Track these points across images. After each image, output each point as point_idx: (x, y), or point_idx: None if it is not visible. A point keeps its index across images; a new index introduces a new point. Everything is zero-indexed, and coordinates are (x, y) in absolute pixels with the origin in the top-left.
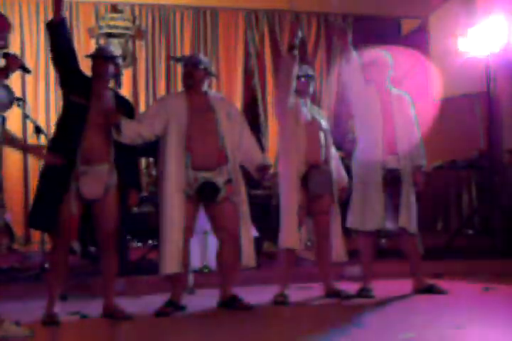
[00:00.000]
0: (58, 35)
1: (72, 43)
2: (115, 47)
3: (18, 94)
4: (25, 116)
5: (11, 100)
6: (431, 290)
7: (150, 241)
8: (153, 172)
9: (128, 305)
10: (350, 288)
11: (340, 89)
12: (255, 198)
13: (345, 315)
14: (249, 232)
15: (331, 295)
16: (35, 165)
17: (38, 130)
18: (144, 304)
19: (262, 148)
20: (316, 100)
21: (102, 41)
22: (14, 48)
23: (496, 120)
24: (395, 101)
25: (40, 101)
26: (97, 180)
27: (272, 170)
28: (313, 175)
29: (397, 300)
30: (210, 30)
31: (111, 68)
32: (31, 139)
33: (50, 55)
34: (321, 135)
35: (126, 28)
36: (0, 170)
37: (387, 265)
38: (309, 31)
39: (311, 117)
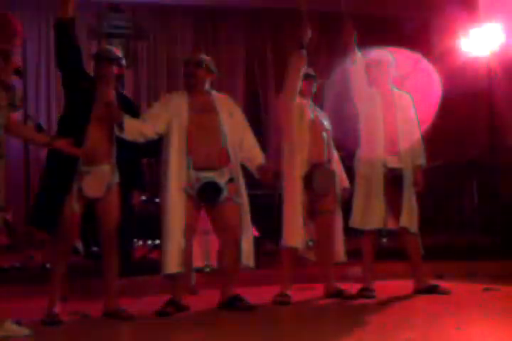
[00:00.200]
0: (66, 34)
1: (78, 43)
2: (118, 48)
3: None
4: (26, 116)
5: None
6: (432, 290)
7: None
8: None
9: (129, 305)
10: (352, 288)
11: (342, 89)
12: (256, 198)
13: (347, 316)
14: (248, 233)
15: (332, 295)
16: (36, 165)
17: (39, 129)
18: (146, 304)
19: (263, 147)
20: (317, 101)
21: (103, 41)
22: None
23: (496, 119)
24: (397, 100)
25: (41, 100)
26: (99, 180)
27: (273, 170)
28: (317, 174)
29: (398, 300)
30: (211, 30)
31: (115, 69)
32: None
33: (55, 54)
34: (324, 135)
35: (128, 29)
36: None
37: (388, 265)
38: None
39: (314, 117)
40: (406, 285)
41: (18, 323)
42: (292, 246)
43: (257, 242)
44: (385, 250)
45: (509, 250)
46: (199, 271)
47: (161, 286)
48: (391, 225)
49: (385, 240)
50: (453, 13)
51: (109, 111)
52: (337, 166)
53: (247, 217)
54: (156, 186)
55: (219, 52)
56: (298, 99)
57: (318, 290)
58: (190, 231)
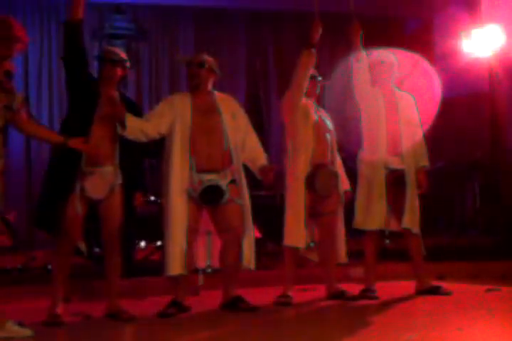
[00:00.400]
0: (75, 35)
1: (84, 45)
2: (121, 50)
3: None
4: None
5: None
6: (434, 291)
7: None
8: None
9: (131, 306)
10: (354, 289)
11: (345, 88)
12: (258, 199)
13: (348, 317)
14: (250, 234)
15: (334, 296)
16: (38, 165)
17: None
18: (148, 305)
19: (265, 148)
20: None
21: (105, 42)
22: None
23: (498, 120)
24: (399, 101)
25: (43, 101)
26: (102, 181)
27: (274, 171)
28: (319, 175)
29: (400, 301)
30: (213, 31)
31: (119, 71)
32: None
33: (63, 55)
34: (328, 136)
35: (129, 29)
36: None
37: (390, 266)
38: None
39: (318, 118)
40: (408, 286)
41: (20, 324)
42: (293, 246)
43: (259, 243)
44: (387, 251)
45: (511, 250)
46: (201, 271)
47: (163, 287)
48: (393, 226)
49: (387, 241)
50: (455, 14)
51: (112, 109)
52: (340, 168)
53: (248, 218)
54: (158, 187)
55: (220, 53)
56: (303, 100)
57: (320, 291)
58: (192, 233)
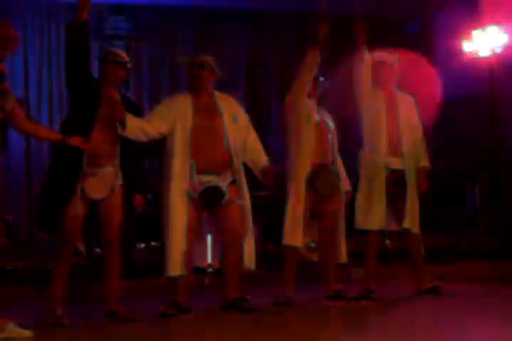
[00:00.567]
0: (81, 36)
1: (89, 46)
2: (123, 51)
3: (21, 95)
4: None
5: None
6: (434, 291)
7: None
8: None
9: (131, 306)
10: (353, 289)
11: (346, 88)
12: (258, 199)
13: (348, 317)
14: (250, 234)
15: (334, 296)
16: (38, 165)
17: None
18: (147, 306)
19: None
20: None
21: (104, 43)
22: (17, 51)
23: (499, 120)
24: (400, 102)
25: (43, 102)
26: (103, 182)
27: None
28: (321, 175)
29: (399, 301)
30: (212, 32)
31: (121, 72)
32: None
33: (66, 56)
34: (329, 137)
35: (129, 30)
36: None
37: (390, 266)
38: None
39: (320, 119)
40: (408, 287)
41: (21, 325)
42: (291, 244)
43: (259, 244)
44: (387, 251)
45: (510, 251)
46: (202, 271)
47: (163, 288)
48: (393, 226)
49: (388, 242)
50: (455, 16)
51: (112, 109)
52: (340, 168)
53: (249, 218)
54: (158, 188)
55: (220, 54)
56: (306, 100)
57: (320, 291)
58: (192, 234)
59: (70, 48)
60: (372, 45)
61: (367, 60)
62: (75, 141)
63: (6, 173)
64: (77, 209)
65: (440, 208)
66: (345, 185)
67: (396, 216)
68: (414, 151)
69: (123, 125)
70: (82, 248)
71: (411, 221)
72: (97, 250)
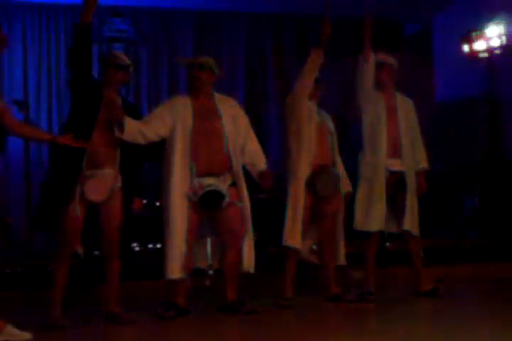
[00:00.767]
0: (86, 38)
1: (91, 48)
2: (125, 54)
3: (20, 98)
4: (27, 120)
5: None
6: (433, 293)
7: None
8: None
9: (130, 309)
10: (353, 291)
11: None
12: (258, 202)
13: (347, 319)
14: (250, 236)
15: (334, 298)
16: (37, 167)
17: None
18: (147, 308)
19: (264, 148)
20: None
21: (104, 46)
22: (17, 53)
23: (498, 121)
24: (399, 104)
25: (42, 105)
26: (102, 184)
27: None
28: (321, 177)
29: (399, 303)
30: (212, 34)
31: (123, 76)
32: None
33: (70, 58)
34: (329, 138)
35: (129, 33)
36: None
37: (389, 268)
38: (312, 35)
39: (320, 120)
40: (407, 289)
41: (19, 327)
42: (291, 246)
43: (259, 246)
44: (387, 253)
45: (510, 252)
46: (202, 272)
47: (162, 290)
48: (393, 228)
49: (388, 244)
50: (455, 16)
51: (111, 112)
52: (341, 170)
53: (248, 221)
54: (157, 190)
55: (219, 56)
56: (307, 102)
57: (319, 293)
58: (192, 236)
59: (76, 48)
60: (371, 47)
61: (372, 60)
62: (63, 139)
63: (5, 174)
64: (77, 211)
65: (440, 209)
66: (345, 185)
67: (395, 218)
68: (413, 153)
69: (121, 128)
70: (80, 250)
71: (411, 222)
72: (96, 252)
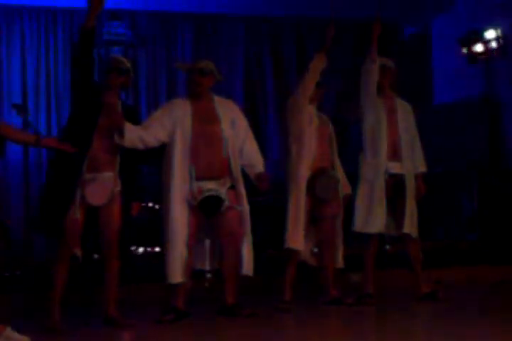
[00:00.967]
0: (90, 42)
1: (94, 52)
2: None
3: (19, 101)
4: (26, 124)
5: None
6: (433, 296)
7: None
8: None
9: (129, 312)
10: (352, 294)
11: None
12: (258, 205)
13: (347, 322)
14: (249, 240)
15: (333, 301)
16: (36, 169)
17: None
18: (146, 311)
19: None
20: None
21: (102, 49)
22: (15, 56)
23: (497, 124)
24: (398, 107)
25: (41, 108)
26: (103, 188)
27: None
28: (320, 179)
29: (398, 306)
30: (210, 37)
31: (124, 80)
32: None
33: (73, 60)
34: (329, 140)
35: (127, 36)
36: None
37: (388, 271)
38: (310, 38)
39: (320, 123)
40: (406, 291)
41: (20, 331)
42: (294, 248)
43: (258, 248)
44: (386, 256)
45: (509, 255)
46: (202, 274)
47: (161, 293)
48: (393, 232)
49: (387, 247)
50: (453, 18)
51: (111, 119)
52: (340, 172)
53: (247, 224)
54: (156, 194)
55: (218, 59)
56: (307, 105)
57: (319, 296)
58: (192, 240)
59: (80, 51)
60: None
61: (377, 62)
62: (47, 141)
63: (4, 175)
64: (76, 213)
65: (439, 212)
66: (344, 188)
67: (395, 221)
68: (413, 157)
69: (121, 134)
70: (78, 253)
71: (410, 225)
72: (95, 256)
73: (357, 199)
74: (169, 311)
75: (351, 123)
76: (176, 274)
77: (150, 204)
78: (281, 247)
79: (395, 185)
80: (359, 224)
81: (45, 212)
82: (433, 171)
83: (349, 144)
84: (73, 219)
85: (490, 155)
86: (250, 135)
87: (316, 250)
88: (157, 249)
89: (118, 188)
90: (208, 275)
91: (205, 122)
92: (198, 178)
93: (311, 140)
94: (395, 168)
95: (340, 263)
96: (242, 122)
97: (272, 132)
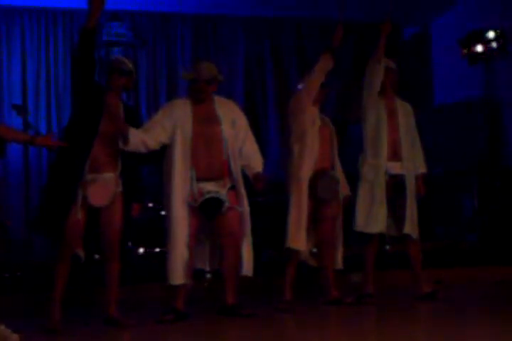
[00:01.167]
0: (91, 42)
1: (95, 52)
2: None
3: (19, 102)
4: (26, 124)
5: None
6: (433, 296)
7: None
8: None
9: (130, 312)
10: (352, 294)
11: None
12: (257, 205)
13: (347, 322)
14: (249, 240)
15: (333, 301)
16: (36, 169)
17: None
18: (146, 312)
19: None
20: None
21: (102, 50)
22: (15, 57)
23: (497, 124)
24: (399, 108)
25: (41, 109)
26: (105, 189)
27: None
28: (320, 180)
29: (398, 306)
30: (210, 38)
31: (126, 81)
32: None
33: (75, 61)
34: (329, 141)
35: (127, 37)
36: None
37: (388, 271)
38: (310, 38)
39: (322, 124)
40: (407, 292)
41: (18, 331)
42: (296, 248)
43: (258, 249)
44: (386, 256)
45: (509, 255)
46: (202, 274)
47: (161, 294)
48: (393, 232)
49: (388, 247)
50: (453, 19)
51: (114, 123)
52: (340, 173)
53: (247, 225)
54: (157, 194)
55: (218, 60)
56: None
57: (319, 296)
58: (193, 241)
59: (82, 52)
60: (369, 51)
61: (383, 62)
62: (42, 140)
63: (4, 176)
64: (78, 215)
65: (439, 212)
66: (343, 189)
67: (395, 221)
68: (413, 157)
69: (125, 140)
70: (81, 253)
71: (411, 226)
72: (96, 256)
73: (358, 200)
74: (169, 311)
75: (351, 124)
76: (177, 275)
77: (150, 205)
78: (281, 247)
79: (395, 186)
80: (360, 224)
81: (46, 212)
82: (433, 171)
83: (349, 144)
84: (75, 219)
85: (490, 155)
86: (250, 135)
87: (315, 250)
88: (157, 249)
89: (119, 189)
90: (208, 276)
91: (206, 123)
92: (199, 179)
93: (313, 141)
94: (395, 168)
95: (339, 264)
96: (242, 122)
97: (272, 132)
